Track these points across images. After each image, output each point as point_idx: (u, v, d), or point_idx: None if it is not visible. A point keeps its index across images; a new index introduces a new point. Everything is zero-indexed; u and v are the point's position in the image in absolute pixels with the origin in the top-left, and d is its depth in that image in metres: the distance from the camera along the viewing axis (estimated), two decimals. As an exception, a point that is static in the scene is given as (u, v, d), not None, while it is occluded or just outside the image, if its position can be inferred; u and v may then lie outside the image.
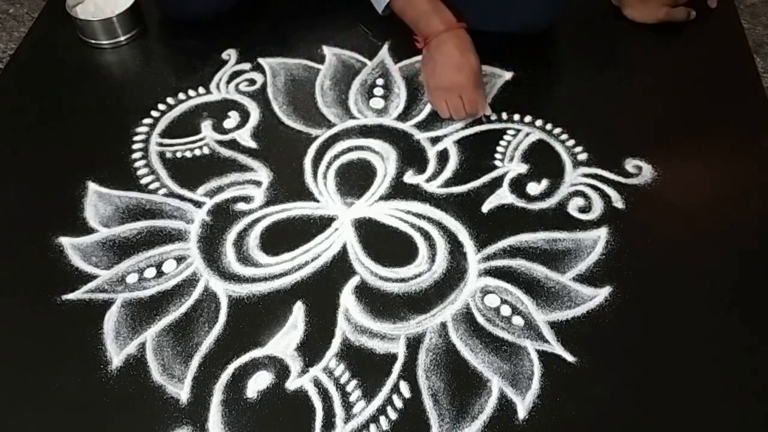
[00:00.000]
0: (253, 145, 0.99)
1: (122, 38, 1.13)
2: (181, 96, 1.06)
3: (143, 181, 0.95)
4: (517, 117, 1.01)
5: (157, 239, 0.89)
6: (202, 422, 0.74)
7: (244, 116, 1.03)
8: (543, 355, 0.78)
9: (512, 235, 0.88)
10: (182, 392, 0.76)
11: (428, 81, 1.00)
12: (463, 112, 0.98)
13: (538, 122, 1.00)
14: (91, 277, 0.86)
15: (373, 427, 0.74)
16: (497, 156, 0.97)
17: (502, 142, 0.98)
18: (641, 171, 0.95)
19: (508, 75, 1.07)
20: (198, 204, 0.93)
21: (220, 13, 1.12)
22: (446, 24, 0.96)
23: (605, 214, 0.90)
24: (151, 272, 0.86)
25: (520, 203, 0.92)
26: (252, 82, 1.07)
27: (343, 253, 0.87)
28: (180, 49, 1.13)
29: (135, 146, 0.99)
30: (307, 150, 0.98)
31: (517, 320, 0.81)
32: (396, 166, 0.96)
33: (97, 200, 0.93)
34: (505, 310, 0.82)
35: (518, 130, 1.00)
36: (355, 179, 0.95)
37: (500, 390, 0.76)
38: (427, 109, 1.03)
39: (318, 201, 0.93)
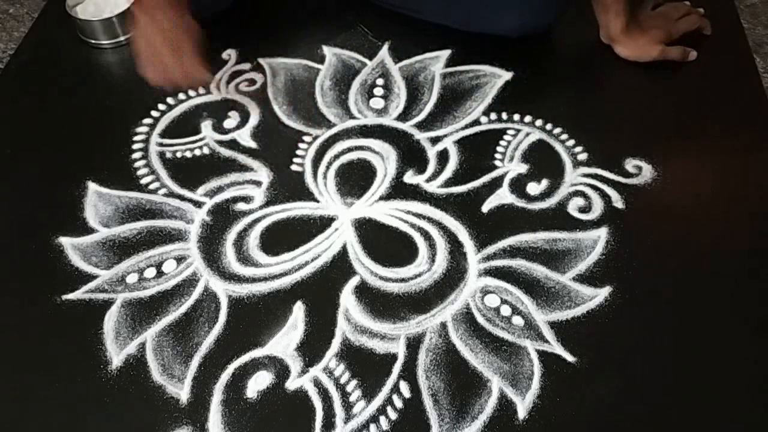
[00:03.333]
0: (253, 145, 0.99)
1: (122, 38, 1.13)
2: (181, 96, 1.06)
3: (143, 181, 0.95)
4: (517, 117, 1.01)
5: (157, 239, 0.89)
6: (202, 422, 0.74)
7: (244, 116, 1.03)
8: (543, 355, 0.78)
9: (512, 235, 0.88)
10: (182, 392, 0.76)
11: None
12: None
13: (538, 122, 1.00)
14: (91, 277, 0.86)
15: (373, 427, 0.74)
16: (497, 156, 0.97)
17: (502, 142, 0.98)
18: (641, 171, 0.95)
19: (508, 75, 1.07)
20: (198, 204, 0.93)
21: (219, 11, 1.12)
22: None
23: (605, 214, 0.90)
24: (151, 272, 0.86)
25: (520, 203, 0.92)
26: (252, 82, 1.07)
27: (343, 253, 0.87)
28: (180, 49, 1.13)
29: (135, 146, 0.99)
30: (307, 150, 0.98)
31: (517, 320, 0.81)
32: (396, 166, 0.96)
33: (97, 200, 0.93)
34: (505, 310, 0.82)
35: (518, 130, 0.99)
36: (355, 179, 0.95)
37: (500, 390, 0.76)
38: (427, 109, 1.03)
39: (318, 201, 0.93)
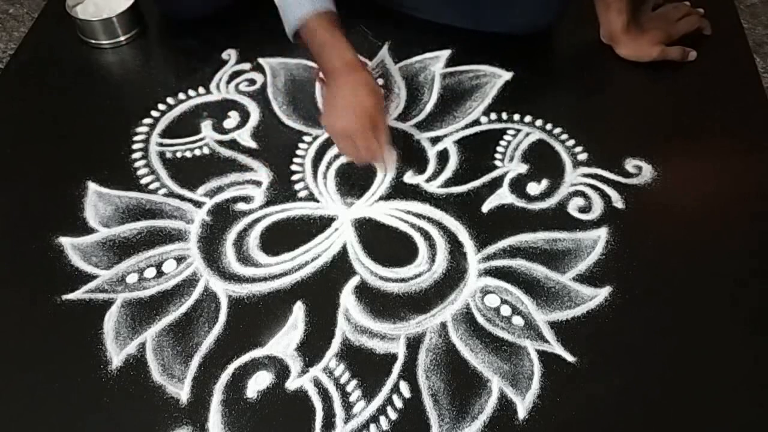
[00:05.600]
0: (253, 145, 0.99)
1: (122, 38, 1.13)
2: (181, 96, 1.06)
3: (143, 181, 0.95)
4: (517, 117, 1.01)
5: (157, 239, 0.89)
6: (202, 422, 0.74)
7: (244, 116, 1.03)
8: (543, 355, 0.78)
9: (512, 235, 0.88)
10: (182, 392, 0.76)
11: (323, 119, 0.92)
12: (359, 159, 0.91)
13: (538, 122, 1.00)
14: (91, 277, 0.86)
15: (373, 427, 0.74)
16: (497, 156, 0.97)
17: (502, 142, 0.98)
18: (641, 171, 0.95)
19: (508, 75, 1.07)
20: (198, 204, 0.93)
21: (216, 11, 1.12)
22: (343, 60, 0.88)
23: (605, 214, 0.90)
24: (151, 272, 0.86)
25: (520, 203, 0.92)
26: (252, 82, 1.07)
27: (343, 253, 0.87)
28: (180, 49, 1.13)
29: (135, 146, 0.99)
30: (307, 150, 0.98)
31: (517, 320, 0.81)
32: (396, 166, 0.96)
33: (97, 200, 0.93)
34: (505, 310, 0.82)
35: (518, 130, 0.99)
36: (355, 179, 0.95)
37: (500, 390, 0.76)
38: (427, 109, 1.03)
39: (318, 201, 0.93)
